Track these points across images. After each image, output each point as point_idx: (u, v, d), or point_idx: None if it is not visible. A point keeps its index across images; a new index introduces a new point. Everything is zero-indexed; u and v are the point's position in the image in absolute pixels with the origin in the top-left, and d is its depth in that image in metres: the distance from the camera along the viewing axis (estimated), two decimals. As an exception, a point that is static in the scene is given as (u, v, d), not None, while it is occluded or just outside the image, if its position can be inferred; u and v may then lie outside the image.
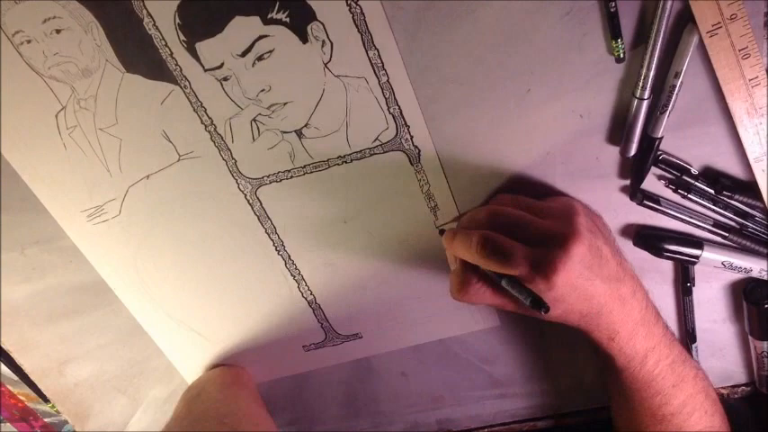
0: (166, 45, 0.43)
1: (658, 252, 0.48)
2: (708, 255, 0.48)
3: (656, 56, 0.40)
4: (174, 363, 0.59)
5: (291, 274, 0.53)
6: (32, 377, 0.56)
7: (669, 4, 0.39)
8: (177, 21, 0.42)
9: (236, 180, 0.48)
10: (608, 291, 0.42)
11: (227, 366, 0.59)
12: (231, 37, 0.42)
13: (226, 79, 0.44)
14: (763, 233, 0.47)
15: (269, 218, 0.50)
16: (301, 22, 0.41)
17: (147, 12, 0.41)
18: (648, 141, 0.44)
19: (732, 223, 0.47)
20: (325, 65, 0.43)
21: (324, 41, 0.42)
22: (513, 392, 0.61)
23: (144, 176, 0.49)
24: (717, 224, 0.47)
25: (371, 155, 0.46)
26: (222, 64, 0.43)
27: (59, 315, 0.53)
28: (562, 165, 0.47)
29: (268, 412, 0.58)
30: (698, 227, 0.48)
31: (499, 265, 0.40)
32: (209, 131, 0.46)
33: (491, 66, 0.43)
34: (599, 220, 0.47)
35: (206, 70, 0.43)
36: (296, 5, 0.41)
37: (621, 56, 0.41)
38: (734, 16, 0.38)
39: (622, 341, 0.44)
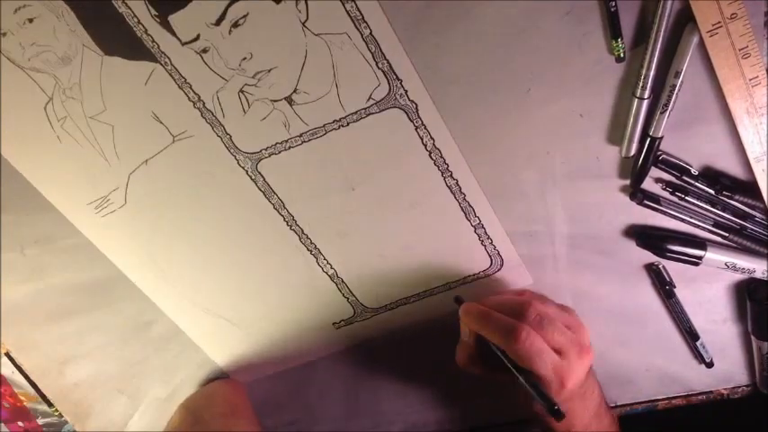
0: (139, 22, 0.41)
1: (661, 253, 0.48)
2: (711, 255, 0.48)
3: (657, 55, 0.40)
4: (204, 349, 0.57)
5: (308, 249, 0.51)
6: (32, 377, 0.56)
7: (669, 3, 0.39)
8: None
9: (235, 156, 0.47)
10: (577, 391, 0.47)
11: (226, 386, 0.58)
12: (203, 5, 0.40)
13: (205, 51, 0.42)
14: (763, 234, 0.47)
15: (274, 192, 0.49)
16: None
17: None
18: (648, 141, 0.44)
19: (732, 224, 0.47)
20: (303, 24, 0.41)
21: None
22: (513, 392, 0.61)
23: (142, 162, 0.47)
24: (717, 224, 0.47)
25: (368, 115, 0.44)
26: (198, 35, 0.42)
27: (59, 315, 0.53)
28: (562, 165, 0.46)
29: None
30: (698, 227, 0.47)
31: (530, 362, 0.43)
32: (199, 108, 0.45)
33: (491, 66, 0.42)
34: None
35: (183, 44, 0.42)
36: None
37: (621, 55, 0.41)
38: (734, 16, 0.38)
39: None
